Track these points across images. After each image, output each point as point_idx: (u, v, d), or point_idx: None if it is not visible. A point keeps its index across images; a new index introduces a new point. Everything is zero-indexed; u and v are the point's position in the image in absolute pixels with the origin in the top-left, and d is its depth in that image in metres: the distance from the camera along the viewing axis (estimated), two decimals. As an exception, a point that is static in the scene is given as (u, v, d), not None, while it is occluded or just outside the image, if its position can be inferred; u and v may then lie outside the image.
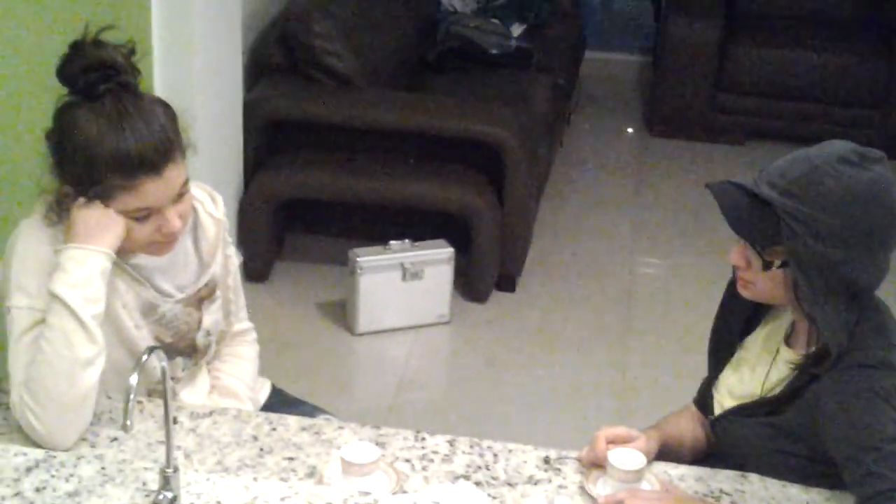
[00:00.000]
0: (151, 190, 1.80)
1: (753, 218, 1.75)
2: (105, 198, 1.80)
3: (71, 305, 1.76)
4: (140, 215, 1.83)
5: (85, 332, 1.77)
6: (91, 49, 1.78)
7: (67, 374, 1.77)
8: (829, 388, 1.76)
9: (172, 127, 1.83)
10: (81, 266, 1.78)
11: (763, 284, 1.81)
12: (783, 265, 1.76)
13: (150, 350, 1.55)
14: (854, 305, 1.76)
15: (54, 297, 1.77)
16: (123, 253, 1.88)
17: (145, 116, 1.78)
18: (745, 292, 1.87)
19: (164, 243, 1.89)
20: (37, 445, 1.79)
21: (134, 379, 1.51)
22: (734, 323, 2.00)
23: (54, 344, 1.76)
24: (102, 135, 1.76)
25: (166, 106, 1.85)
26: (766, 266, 1.77)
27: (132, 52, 1.83)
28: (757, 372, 1.94)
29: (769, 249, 1.76)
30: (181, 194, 1.86)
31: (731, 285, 1.98)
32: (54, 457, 1.77)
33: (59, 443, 1.80)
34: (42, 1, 2.65)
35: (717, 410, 1.98)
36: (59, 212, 1.84)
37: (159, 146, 1.78)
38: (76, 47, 1.79)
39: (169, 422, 1.58)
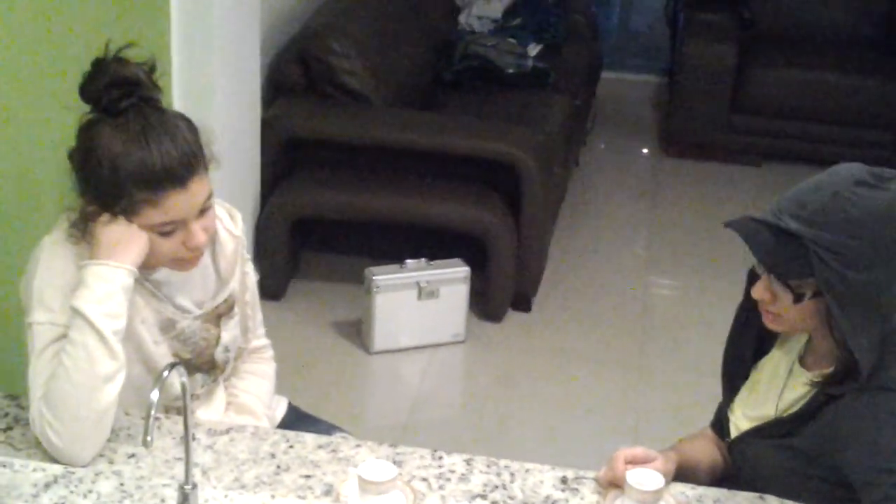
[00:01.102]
0: (177, 203, 1.80)
1: (783, 252, 1.72)
2: (130, 213, 1.81)
3: (93, 321, 1.77)
4: (166, 230, 1.83)
5: (106, 347, 1.78)
6: (113, 66, 1.80)
7: (88, 390, 1.77)
8: (848, 410, 1.75)
9: (196, 140, 1.83)
10: (104, 282, 1.79)
11: (793, 316, 1.79)
12: (814, 296, 1.75)
13: (172, 366, 1.55)
14: (883, 325, 1.76)
15: (76, 312, 1.78)
16: (145, 269, 1.89)
17: (169, 131, 1.79)
18: (773, 325, 1.85)
19: (190, 259, 1.90)
20: (55, 461, 1.80)
21: (155, 395, 1.51)
22: (747, 346, 2.00)
23: (75, 359, 1.77)
24: (127, 150, 1.77)
25: (188, 121, 1.86)
26: (798, 299, 1.75)
27: (153, 68, 1.85)
28: (771, 393, 1.93)
29: (799, 282, 1.74)
30: (205, 208, 1.86)
31: (742, 309, 1.98)
32: (73, 473, 1.77)
33: (77, 458, 1.80)
34: (63, 21, 2.67)
35: (734, 433, 1.98)
36: (83, 229, 1.85)
37: (184, 159, 1.79)
38: (98, 65, 1.81)
39: (188, 438, 1.58)
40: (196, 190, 1.82)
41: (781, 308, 1.79)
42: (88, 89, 1.80)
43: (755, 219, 1.77)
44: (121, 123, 1.78)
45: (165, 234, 1.84)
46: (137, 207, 1.80)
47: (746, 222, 1.77)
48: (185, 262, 1.90)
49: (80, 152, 1.82)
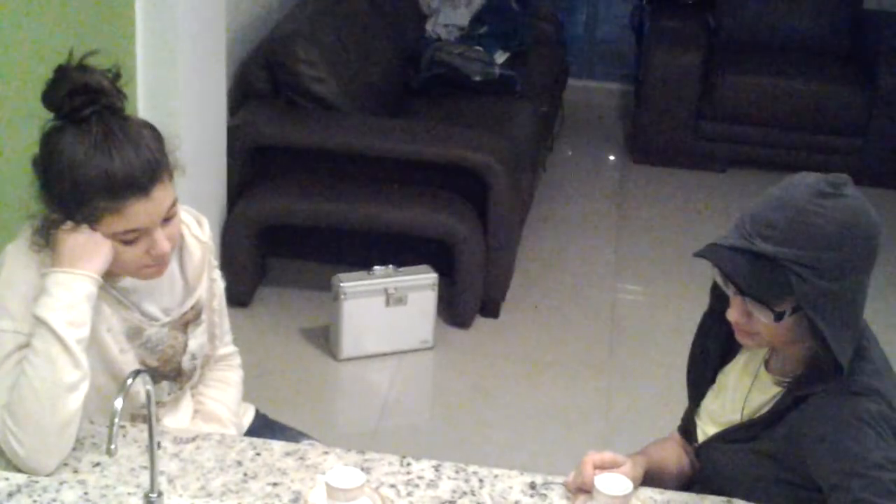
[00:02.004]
0: (139, 211, 1.79)
1: (759, 275, 1.72)
2: (92, 221, 1.79)
3: (56, 330, 1.75)
4: (128, 238, 1.82)
5: (69, 356, 1.76)
6: (76, 73, 1.78)
7: (51, 399, 1.75)
8: (814, 414, 1.76)
9: (159, 148, 1.82)
10: (67, 290, 1.78)
11: (772, 333, 1.79)
12: (793, 311, 1.75)
13: (136, 373, 1.54)
14: (857, 326, 1.77)
15: (39, 320, 1.76)
16: (110, 276, 1.87)
17: (132, 138, 1.78)
18: (748, 342, 1.85)
19: (154, 266, 1.88)
20: (19, 470, 1.78)
21: (119, 402, 1.50)
22: (712, 351, 2.00)
23: (38, 368, 1.75)
24: (89, 157, 1.75)
25: (153, 128, 1.85)
26: (779, 317, 1.75)
27: (118, 76, 1.83)
28: (737, 398, 1.94)
29: (777, 301, 1.74)
30: (169, 216, 1.85)
31: (707, 315, 1.99)
32: (36, 482, 1.75)
33: (41, 467, 1.78)
34: (26, 29, 2.65)
35: (701, 437, 1.98)
36: (46, 237, 1.83)
37: (146, 167, 1.78)
38: (61, 72, 1.79)
39: (153, 446, 1.57)
40: (159, 198, 1.81)
41: (759, 327, 1.79)
42: (51, 96, 1.79)
43: (725, 245, 1.75)
44: (83, 131, 1.76)
45: (129, 243, 1.82)
46: (99, 215, 1.79)
47: (717, 250, 1.76)
48: (149, 269, 1.89)
49: (43, 160, 1.80)
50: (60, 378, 1.76)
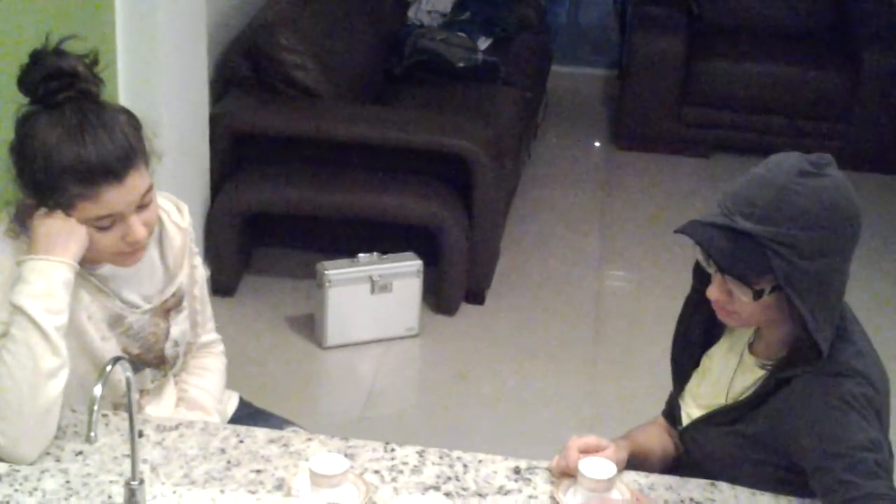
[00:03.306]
0: (112, 197, 1.78)
1: (740, 253, 1.72)
2: (66, 207, 1.78)
3: (33, 317, 1.74)
4: (103, 224, 1.81)
5: (48, 343, 1.75)
6: (51, 58, 1.77)
7: (30, 387, 1.74)
8: (797, 396, 1.77)
9: (135, 134, 1.81)
10: (44, 277, 1.76)
11: (752, 312, 1.80)
12: (772, 290, 1.75)
13: (115, 360, 1.53)
14: (837, 307, 1.77)
15: (16, 308, 1.75)
16: (89, 263, 1.86)
17: (106, 124, 1.77)
18: (730, 322, 1.86)
19: (130, 253, 1.87)
20: (0, 460, 1.77)
21: (98, 389, 1.49)
22: (695, 335, 2.00)
23: (17, 356, 1.74)
24: (61, 143, 1.74)
25: (129, 114, 1.84)
26: (758, 295, 1.76)
27: (95, 61, 1.82)
28: (722, 380, 1.94)
29: (756, 279, 1.74)
30: (145, 203, 1.84)
31: (690, 299, 1.99)
32: (18, 470, 1.75)
33: (22, 456, 1.77)
34: (3, 14, 2.63)
35: (685, 420, 1.99)
36: (22, 223, 1.82)
37: (120, 153, 1.76)
38: (36, 56, 1.78)
39: (134, 433, 1.56)
40: (133, 184, 1.79)
41: (739, 306, 1.79)
42: (26, 81, 1.78)
43: (706, 222, 1.76)
44: (57, 116, 1.75)
45: (103, 229, 1.81)
46: (73, 201, 1.78)
47: (697, 227, 1.76)
48: (125, 256, 1.88)
49: (17, 145, 1.79)
50: (39, 365, 1.74)
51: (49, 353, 1.76)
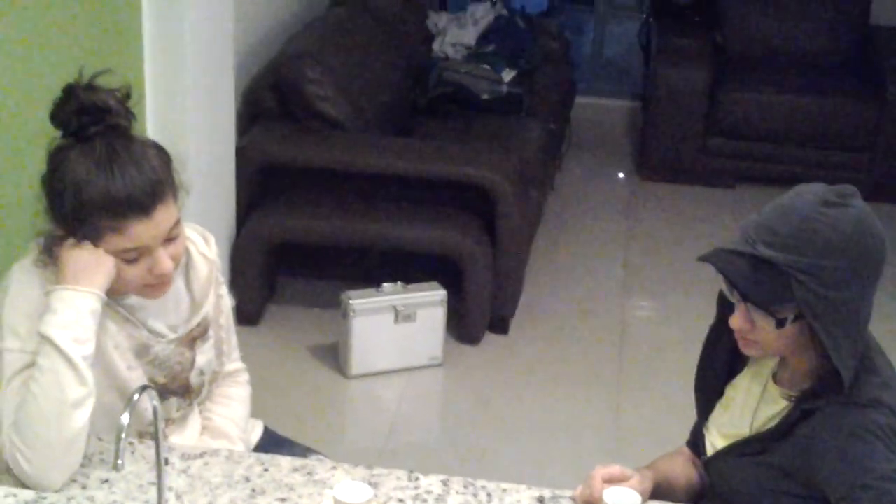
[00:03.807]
0: (140, 231, 1.80)
1: (761, 281, 1.73)
2: (94, 238, 1.80)
3: (61, 346, 1.76)
4: (129, 257, 1.82)
5: (75, 373, 1.77)
6: (83, 92, 1.80)
7: (57, 416, 1.76)
8: (823, 427, 1.76)
9: (164, 168, 1.83)
10: (71, 307, 1.78)
11: (774, 341, 1.80)
12: (795, 319, 1.75)
13: (142, 389, 1.55)
14: (861, 339, 1.77)
15: (44, 338, 1.77)
16: (116, 294, 1.88)
17: (135, 158, 1.79)
18: (751, 352, 1.86)
19: (157, 286, 1.89)
20: (27, 487, 1.78)
21: (125, 418, 1.50)
22: (719, 364, 2.00)
23: (44, 385, 1.76)
24: (91, 176, 1.76)
25: (160, 148, 1.86)
26: (780, 324, 1.76)
27: (128, 95, 1.84)
28: (746, 411, 1.94)
29: (779, 307, 1.75)
30: (172, 237, 1.86)
31: (714, 328, 1.99)
32: (44, 498, 1.76)
33: (49, 484, 1.78)
34: (37, 51, 2.67)
35: (710, 451, 1.98)
36: (50, 254, 1.84)
37: (148, 187, 1.78)
38: (69, 91, 1.81)
39: (160, 461, 1.57)
40: (161, 219, 1.81)
41: (761, 335, 1.80)
42: (58, 115, 1.81)
43: (728, 250, 1.77)
44: (87, 150, 1.78)
45: (130, 262, 1.83)
46: (101, 233, 1.80)
47: (719, 254, 1.78)
48: (152, 289, 1.89)
49: (48, 177, 1.82)
50: (66, 395, 1.76)
51: (76, 382, 1.77)
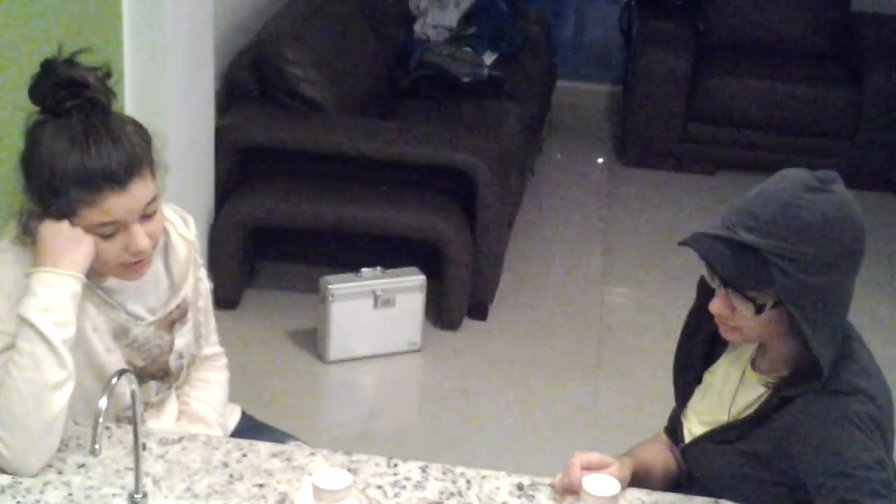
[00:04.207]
0: (115, 204, 1.78)
1: (742, 265, 1.72)
2: (69, 213, 1.79)
3: (41, 329, 1.74)
4: (105, 231, 1.80)
5: (55, 356, 1.75)
6: (62, 68, 1.78)
7: (35, 399, 1.74)
8: (801, 414, 1.76)
9: (141, 144, 1.81)
10: (52, 289, 1.76)
11: (753, 327, 1.80)
12: (774, 305, 1.75)
13: (120, 373, 1.53)
14: (840, 326, 1.77)
15: (24, 321, 1.75)
16: (95, 276, 1.86)
17: (112, 133, 1.78)
18: (732, 337, 1.86)
19: (134, 266, 1.87)
20: (2, 471, 1.77)
21: (103, 402, 1.49)
22: (697, 351, 2.00)
23: (23, 369, 1.74)
24: (67, 149, 1.75)
25: (138, 125, 1.85)
26: (759, 310, 1.76)
27: (108, 74, 1.83)
28: (724, 398, 1.94)
29: (758, 293, 1.75)
30: (149, 213, 1.84)
31: (692, 315, 1.98)
32: (20, 482, 1.74)
33: (26, 468, 1.77)
34: (14, 29, 2.64)
35: (687, 438, 1.98)
36: (28, 232, 1.82)
37: (124, 160, 1.77)
38: (47, 66, 1.79)
39: (138, 446, 1.56)
40: (136, 192, 1.79)
41: (741, 320, 1.80)
42: (36, 90, 1.79)
43: (709, 234, 1.77)
44: (63, 124, 1.76)
45: (107, 238, 1.81)
46: (75, 207, 1.78)
47: (700, 238, 1.77)
48: (129, 269, 1.87)
49: (25, 153, 1.80)
50: (46, 378, 1.75)
51: (56, 365, 1.76)
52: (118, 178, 1.77)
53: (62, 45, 1.81)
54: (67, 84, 1.77)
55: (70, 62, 1.79)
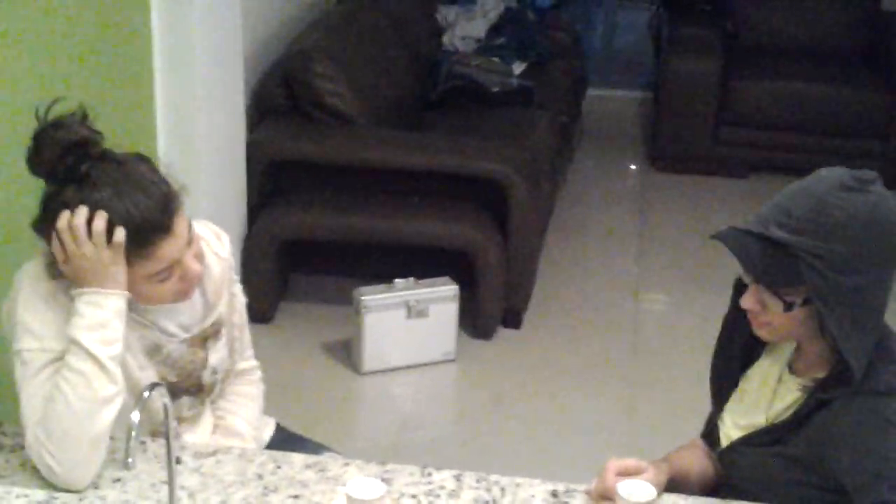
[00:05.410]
0: (168, 249, 1.80)
1: (772, 262, 1.72)
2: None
3: (90, 349, 1.76)
4: (163, 276, 1.83)
5: (105, 373, 1.77)
6: (55, 133, 1.76)
7: (87, 414, 1.76)
8: (839, 416, 1.75)
9: (163, 179, 1.82)
10: (98, 308, 1.78)
11: (783, 324, 1.79)
12: (804, 303, 1.74)
13: (153, 386, 1.54)
14: (874, 328, 1.75)
15: (73, 342, 1.77)
16: (145, 303, 1.88)
17: (135, 180, 1.77)
18: (763, 334, 1.85)
19: (188, 288, 1.89)
20: (41, 487, 1.78)
21: (136, 415, 1.49)
22: (734, 355, 1.99)
23: (74, 385, 1.76)
24: (105, 212, 1.75)
25: (145, 160, 1.84)
26: (789, 307, 1.75)
27: (85, 115, 1.81)
28: (761, 401, 1.92)
29: (788, 290, 1.74)
30: (191, 239, 1.86)
31: (729, 318, 1.97)
32: (56, 498, 1.76)
33: (75, 483, 1.79)
34: (44, 49, 2.66)
35: (724, 442, 1.97)
36: (55, 270, 1.82)
37: (159, 205, 1.78)
38: (41, 137, 1.76)
39: (171, 460, 1.57)
40: (180, 229, 1.81)
41: (772, 317, 1.78)
42: (40, 164, 1.77)
43: (741, 229, 1.76)
44: (85, 188, 1.75)
45: (164, 280, 1.83)
46: (130, 261, 1.79)
47: (732, 233, 1.77)
48: (182, 293, 1.90)
49: (47, 224, 1.78)
50: (96, 394, 1.76)
51: (107, 381, 1.77)
52: (163, 225, 1.78)
53: (37, 109, 1.77)
54: (72, 148, 1.75)
55: (58, 124, 1.77)
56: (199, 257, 1.88)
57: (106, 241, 1.76)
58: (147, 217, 1.76)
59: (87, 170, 1.76)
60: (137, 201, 1.75)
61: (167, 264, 1.81)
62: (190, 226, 1.86)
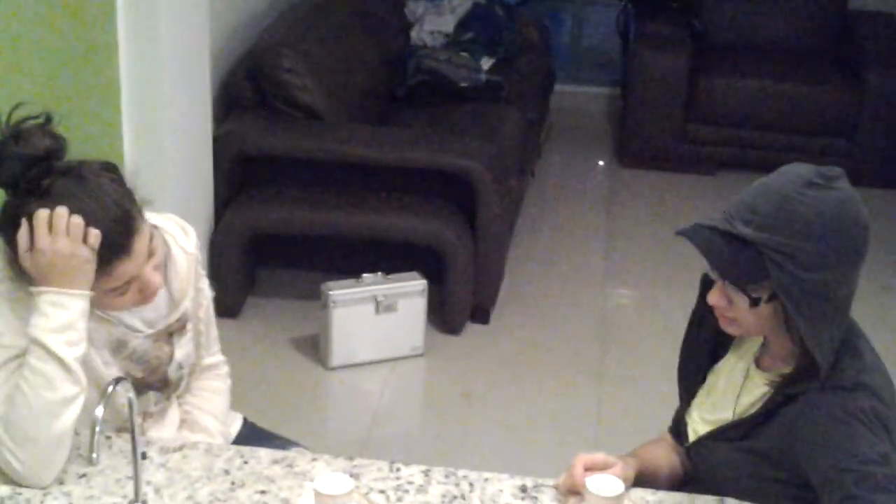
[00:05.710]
0: (125, 268, 1.79)
1: (736, 258, 1.72)
2: None
3: (54, 350, 1.74)
4: (121, 291, 1.82)
5: (68, 374, 1.75)
6: (17, 147, 1.72)
7: (48, 415, 1.74)
8: (805, 411, 1.75)
9: (123, 194, 1.79)
10: (64, 310, 1.75)
11: (750, 320, 1.80)
12: (770, 299, 1.75)
13: (116, 381, 1.52)
14: (840, 324, 1.76)
15: (35, 342, 1.74)
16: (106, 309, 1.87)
17: (98, 198, 1.75)
18: (730, 330, 1.86)
19: (147, 296, 1.88)
20: (4, 482, 1.76)
21: (99, 410, 1.48)
22: (701, 350, 2.00)
23: (36, 388, 1.74)
24: None
25: (110, 169, 1.81)
26: (754, 303, 1.76)
27: (49, 119, 1.78)
28: (728, 396, 1.93)
29: (754, 286, 1.75)
30: (152, 251, 1.84)
31: (696, 313, 1.98)
32: (20, 493, 1.74)
33: (38, 481, 1.77)
34: (8, 41, 2.63)
35: (692, 437, 1.97)
36: (17, 269, 1.80)
37: (117, 227, 1.75)
38: (1, 151, 1.72)
39: (136, 455, 1.56)
40: (139, 247, 1.80)
41: (738, 313, 1.79)
42: (0, 176, 1.74)
43: (707, 226, 1.77)
44: (47, 202, 1.72)
45: (123, 294, 1.82)
46: None
47: (698, 230, 1.77)
48: (143, 301, 1.89)
49: (9, 230, 1.76)
50: (58, 394, 1.74)
51: (69, 382, 1.75)
52: (122, 246, 1.77)
53: None
54: (35, 162, 1.73)
55: (17, 135, 1.73)
56: (159, 268, 1.87)
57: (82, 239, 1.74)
58: (106, 236, 1.74)
59: (48, 186, 1.73)
60: (95, 218, 1.73)
61: (125, 281, 1.80)
62: (152, 237, 1.83)
